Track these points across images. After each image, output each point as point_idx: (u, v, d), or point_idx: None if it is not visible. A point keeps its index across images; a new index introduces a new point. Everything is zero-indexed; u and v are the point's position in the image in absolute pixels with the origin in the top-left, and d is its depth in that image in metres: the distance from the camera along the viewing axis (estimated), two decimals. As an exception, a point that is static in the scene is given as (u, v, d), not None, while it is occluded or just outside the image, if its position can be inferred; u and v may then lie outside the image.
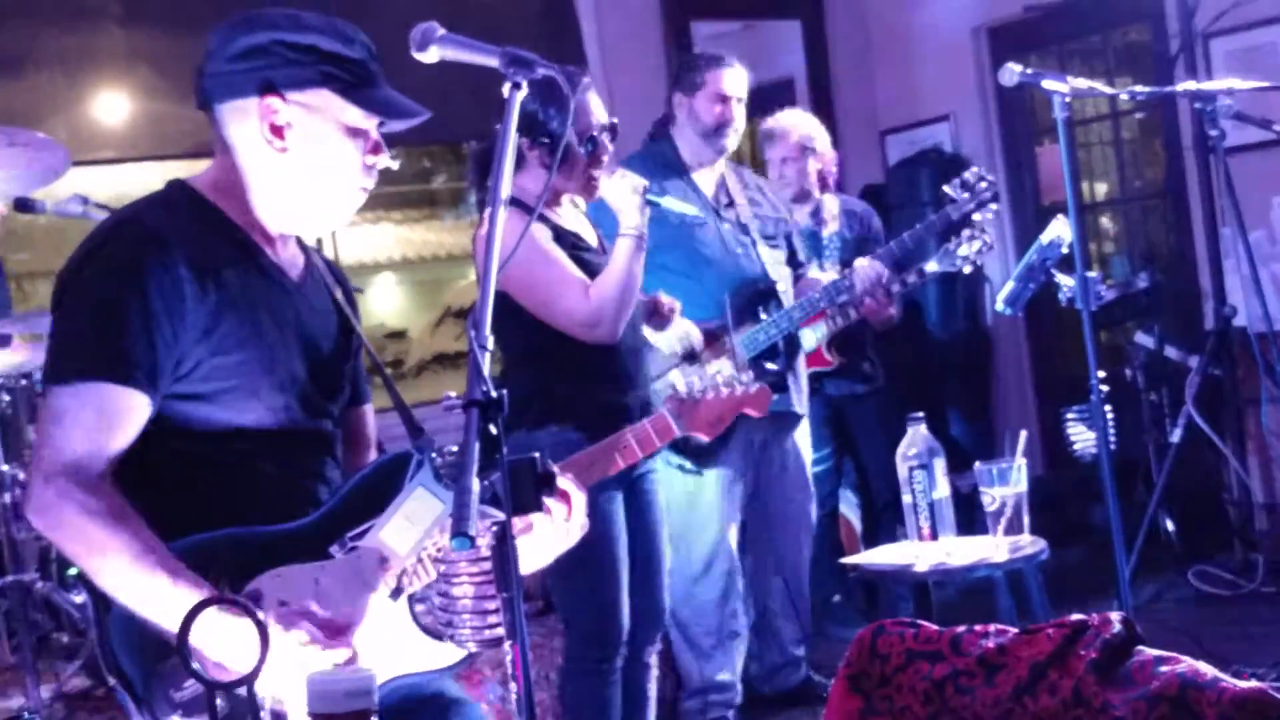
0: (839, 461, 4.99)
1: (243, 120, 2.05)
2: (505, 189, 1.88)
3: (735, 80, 4.02)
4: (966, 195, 4.23)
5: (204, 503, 2.00)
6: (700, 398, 2.55)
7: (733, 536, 4.07)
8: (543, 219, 3.15)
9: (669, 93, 4.15)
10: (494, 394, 1.74)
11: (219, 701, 1.81)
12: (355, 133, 2.07)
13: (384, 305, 10.48)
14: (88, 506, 1.89)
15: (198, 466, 2.02)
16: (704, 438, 2.63)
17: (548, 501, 2.05)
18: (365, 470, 2.13)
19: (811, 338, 4.44)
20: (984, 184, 4.23)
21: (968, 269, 4.26)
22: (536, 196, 2.98)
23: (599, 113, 3.15)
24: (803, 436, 4.26)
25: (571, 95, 2.02)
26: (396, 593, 2.08)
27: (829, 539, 4.97)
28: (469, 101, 4.67)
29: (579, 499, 2.12)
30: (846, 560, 3.59)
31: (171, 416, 1.99)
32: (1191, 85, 4.51)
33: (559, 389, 3.19)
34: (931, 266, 4.25)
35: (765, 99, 4.84)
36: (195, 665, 1.68)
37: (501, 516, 1.76)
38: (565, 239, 3.17)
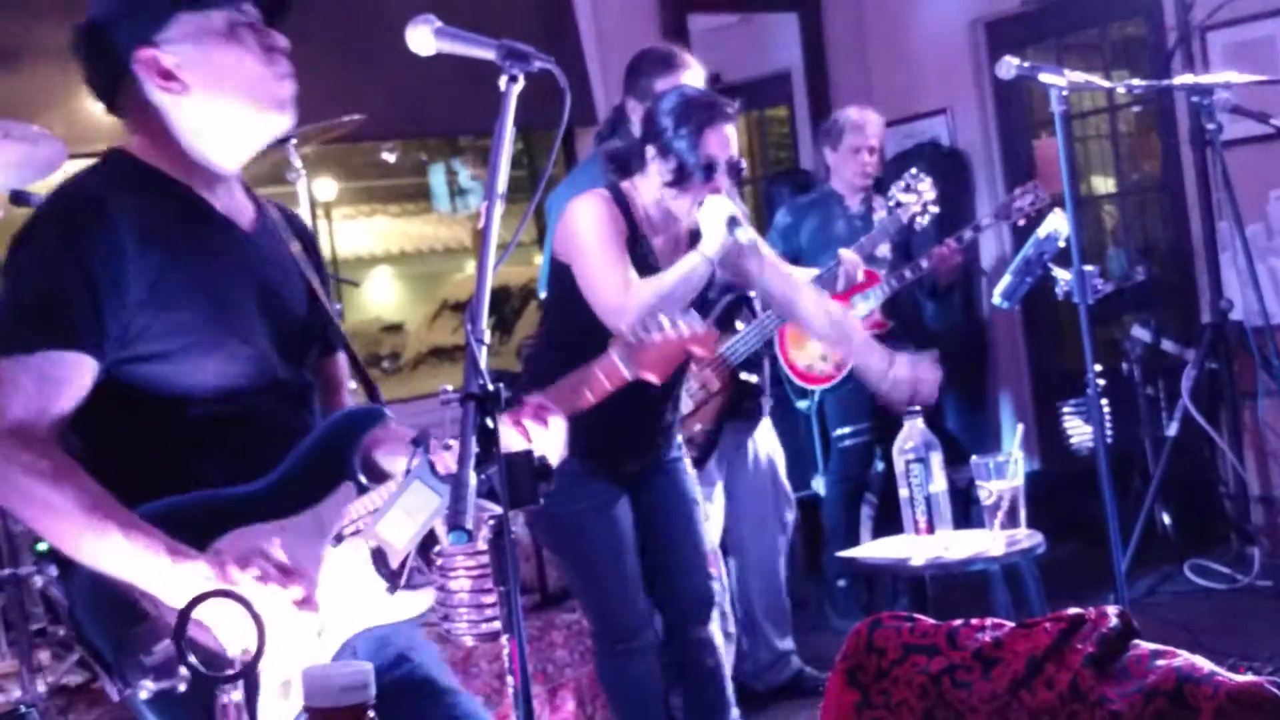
0: (874, 440, 5.00)
1: (138, 86, 2.04)
2: (502, 182, 1.87)
3: (695, 81, 3.94)
4: (912, 199, 4.56)
5: (175, 464, 2.01)
6: (646, 339, 2.56)
7: (715, 537, 4.08)
8: (631, 223, 3.21)
9: (624, 96, 3.97)
10: (491, 387, 1.74)
11: (183, 670, 1.78)
12: (233, 33, 2.04)
13: (381, 298, 10.47)
14: (33, 466, 1.89)
15: (165, 428, 2.01)
16: (654, 379, 2.63)
17: (529, 424, 2.11)
18: (320, 429, 2.13)
19: (864, 306, 4.60)
20: (925, 184, 4.56)
21: (921, 221, 4.57)
22: (641, 204, 3.22)
23: (731, 145, 3.18)
24: (762, 434, 4.31)
25: (567, 89, 2.02)
26: (391, 579, 2.09)
27: (849, 519, 4.99)
28: (465, 95, 4.68)
29: (557, 424, 2.16)
30: (843, 554, 3.60)
31: (134, 380, 1.99)
32: (1188, 79, 4.52)
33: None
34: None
35: (762, 91, 4.87)
36: (190, 659, 1.68)
37: (498, 510, 1.76)
38: (640, 247, 3.21)
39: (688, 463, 3.46)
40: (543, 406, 2.15)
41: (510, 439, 2.06)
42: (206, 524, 1.97)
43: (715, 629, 3.44)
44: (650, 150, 3.19)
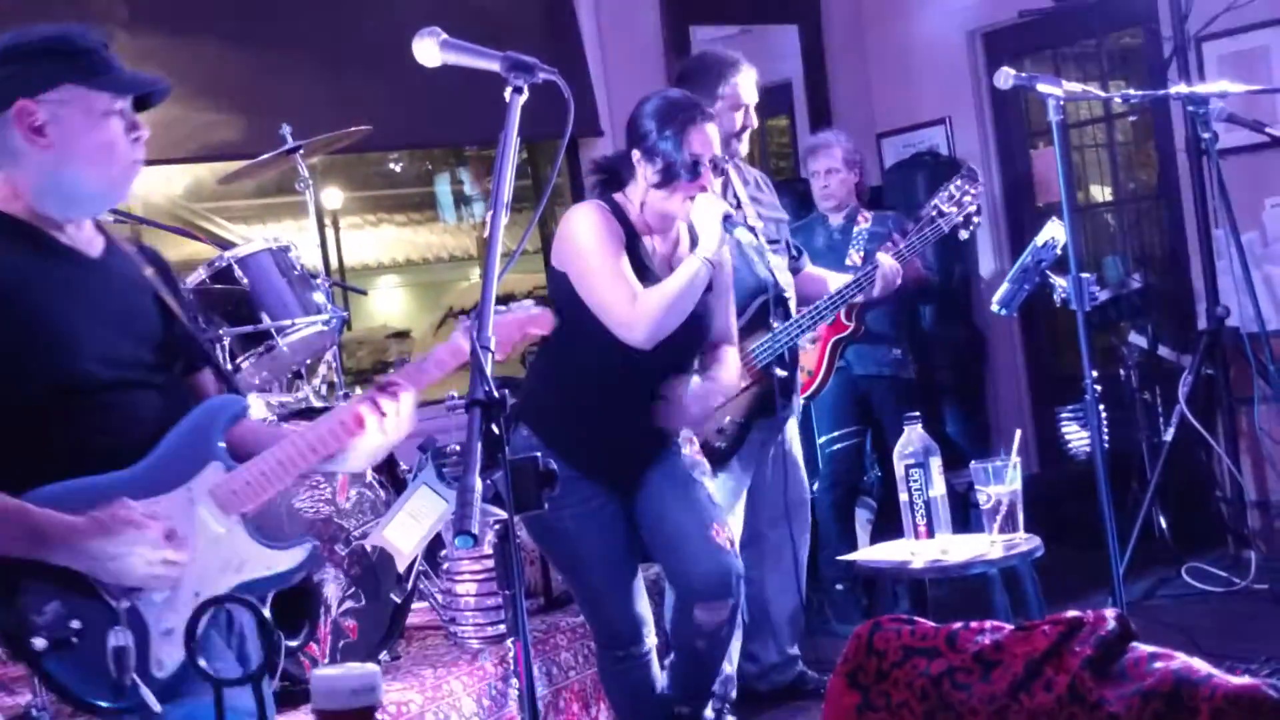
0: (862, 441, 5.02)
1: (9, 129, 2.24)
2: (506, 192, 1.91)
3: (751, 85, 4.06)
4: (955, 210, 4.44)
5: (47, 453, 2.20)
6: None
7: (736, 533, 4.10)
8: (629, 230, 3.24)
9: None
10: (496, 394, 1.77)
11: (74, 624, 2.12)
12: (108, 114, 2.26)
13: (387, 306, 10.51)
14: None
15: (30, 427, 2.20)
16: (498, 356, 2.70)
17: (381, 400, 2.33)
18: (186, 418, 2.33)
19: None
20: (969, 196, 4.42)
21: (964, 233, 4.49)
22: (635, 210, 3.26)
23: (713, 144, 3.24)
24: (790, 429, 4.31)
25: (571, 100, 2.06)
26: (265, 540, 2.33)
27: (843, 523, 5.01)
28: (469, 106, 4.71)
29: (407, 398, 2.35)
30: (844, 557, 3.62)
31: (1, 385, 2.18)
32: (1184, 88, 4.55)
33: (543, 395, 3.31)
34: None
35: (763, 102, 4.89)
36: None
37: (503, 515, 1.79)
38: (639, 252, 3.25)
39: (687, 449, 3.39)
40: (392, 383, 2.36)
41: (366, 422, 2.32)
42: (85, 504, 2.15)
43: (728, 614, 3.29)
44: (636, 154, 3.24)
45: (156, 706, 2.13)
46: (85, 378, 2.23)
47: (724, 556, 3.24)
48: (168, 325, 2.40)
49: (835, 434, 4.88)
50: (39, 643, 2.10)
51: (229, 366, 3.84)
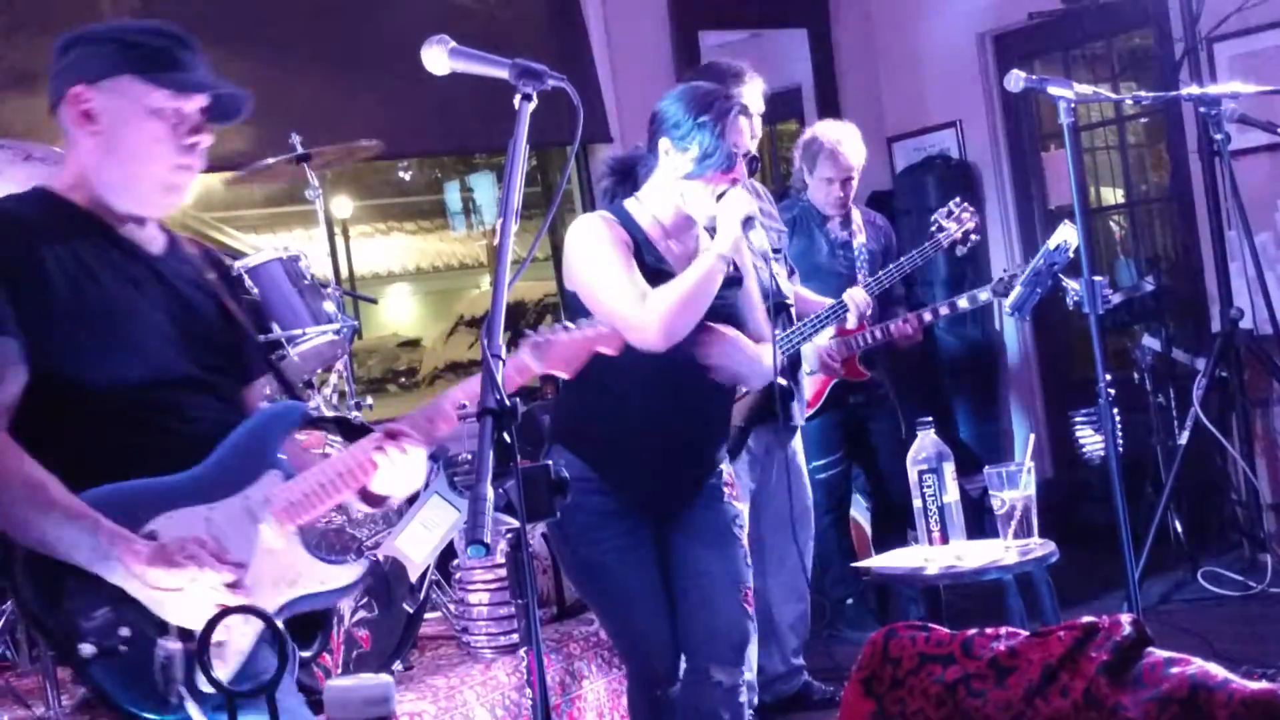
0: (848, 468, 5.02)
1: (68, 115, 2.23)
2: (516, 200, 1.90)
3: (757, 95, 3.96)
4: (954, 226, 4.55)
5: (103, 454, 2.15)
6: (553, 338, 2.61)
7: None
8: (641, 236, 3.10)
9: None
10: (507, 402, 1.76)
11: (123, 631, 2.05)
12: (162, 113, 2.21)
13: (398, 314, 10.55)
14: None
15: (91, 420, 2.16)
16: (563, 374, 2.66)
17: (388, 447, 2.26)
18: (246, 423, 2.28)
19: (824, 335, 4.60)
20: (967, 214, 4.54)
21: (961, 250, 4.62)
22: (650, 213, 3.09)
23: (747, 137, 3.09)
24: (797, 443, 4.33)
25: (580, 106, 2.05)
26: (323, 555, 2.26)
27: (840, 543, 5.00)
28: (479, 113, 4.72)
29: (416, 451, 2.30)
30: (858, 564, 3.61)
31: (58, 379, 2.14)
32: (1196, 90, 4.53)
33: (582, 416, 3.17)
34: (963, 304, 4.55)
35: (773, 107, 4.86)
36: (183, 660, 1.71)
37: (516, 524, 1.79)
38: (649, 256, 3.09)
39: (731, 492, 3.24)
40: (403, 434, 2.30)
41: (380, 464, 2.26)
42: (141, 507, 2.12)
43: (745, 675, 3.19)
44: (665, 144, 3.05)
45: None
46: (141, 375, 2.19)
47: (749, 624, 3.17)
48: (228, 330, 2.36)
49: (821, 461, 4.85)
50: (86, 649, 2.04)
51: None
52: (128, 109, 2.20)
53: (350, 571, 2.29)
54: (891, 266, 4.64)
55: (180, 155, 2.24)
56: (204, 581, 2.07)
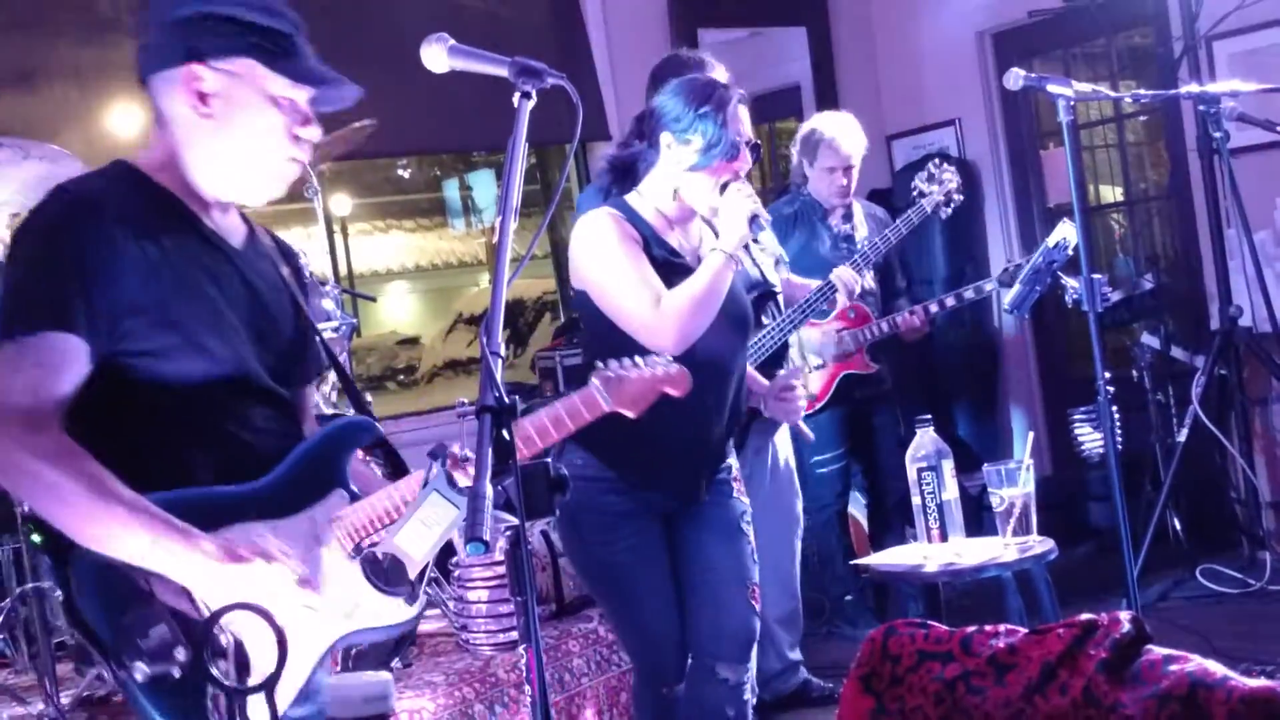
0: (849, 463, 5.02)
1: (172, 89, 2.10)
2: (515, 197, 1.89)
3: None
4: (936, 188, 4.54)
5: (164, 458, 2.05)
6: (624, 375, 2.58)
7: None
8: (649, 231, 3.07)
9: (647, 104, 4.01)
10: (506, 400, 1.76)
11: (179, 653, 1.90)
12: (279, 102, 2.11)
13: (396, 312, 10.54)
14: (37, 448, 1.92)
15: (154, 423, 2.05)
16: (630, 414, 2.63)
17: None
18: (316, 436, 2.18)
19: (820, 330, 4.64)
20: (949, 174, 4.54)
21: (945, 211, 4.62)
22: (653, 206, 3.06)
23: (746, 127, 3.07)
24: (781, 437, 4.31)
25: (580, 104, 2.05)
26: (356, 550, 2.12)
27: (839, 539, 5.00)
28: (478, 111, 4.71)
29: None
30: (857, 561, 3.61)
31: (125, 376, 2.03)
32: (1195, 88, 4.54)
33: (605, 422, 3.15)
34: (969, 295, 4.59)
35: (772, 104, 4.87)
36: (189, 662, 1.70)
37: (515, 521, 1.79)
38: (659, 249, 3.07)
39: (739, 487, 3.24)
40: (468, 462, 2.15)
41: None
42: (206, 517, 2.00)
43: (749, 673, 3.18)
44: (667, 138, 3.03)
45: None
46: (209, 379, 2.07)
47: (755, 620, 3.16)
48: (299, 332, 2.25)
49: (822, 456, 4.86)
50: (139, 673, 1.91)
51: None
52: (246, 94, 2.09)
53: (405, 611, 2.14)
54: (877, 239, 4.60)
55: (292, 146, 2.14)
56: (274, 575, 1.98)
